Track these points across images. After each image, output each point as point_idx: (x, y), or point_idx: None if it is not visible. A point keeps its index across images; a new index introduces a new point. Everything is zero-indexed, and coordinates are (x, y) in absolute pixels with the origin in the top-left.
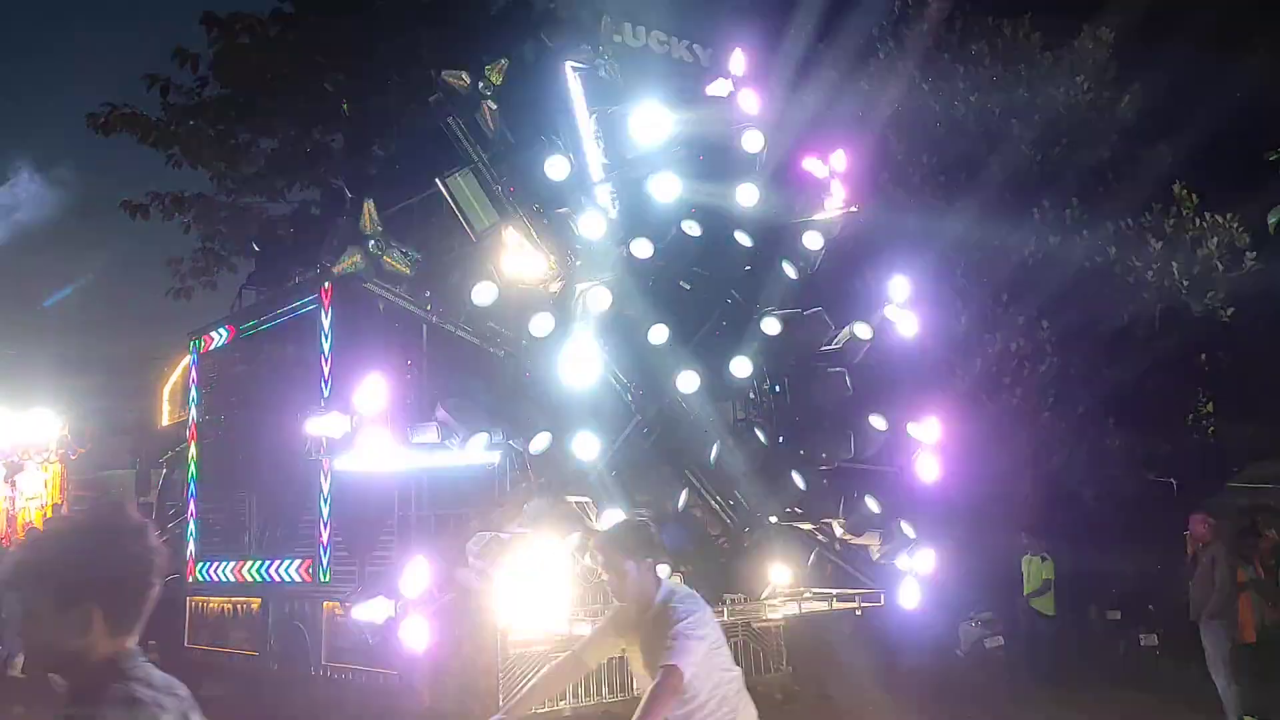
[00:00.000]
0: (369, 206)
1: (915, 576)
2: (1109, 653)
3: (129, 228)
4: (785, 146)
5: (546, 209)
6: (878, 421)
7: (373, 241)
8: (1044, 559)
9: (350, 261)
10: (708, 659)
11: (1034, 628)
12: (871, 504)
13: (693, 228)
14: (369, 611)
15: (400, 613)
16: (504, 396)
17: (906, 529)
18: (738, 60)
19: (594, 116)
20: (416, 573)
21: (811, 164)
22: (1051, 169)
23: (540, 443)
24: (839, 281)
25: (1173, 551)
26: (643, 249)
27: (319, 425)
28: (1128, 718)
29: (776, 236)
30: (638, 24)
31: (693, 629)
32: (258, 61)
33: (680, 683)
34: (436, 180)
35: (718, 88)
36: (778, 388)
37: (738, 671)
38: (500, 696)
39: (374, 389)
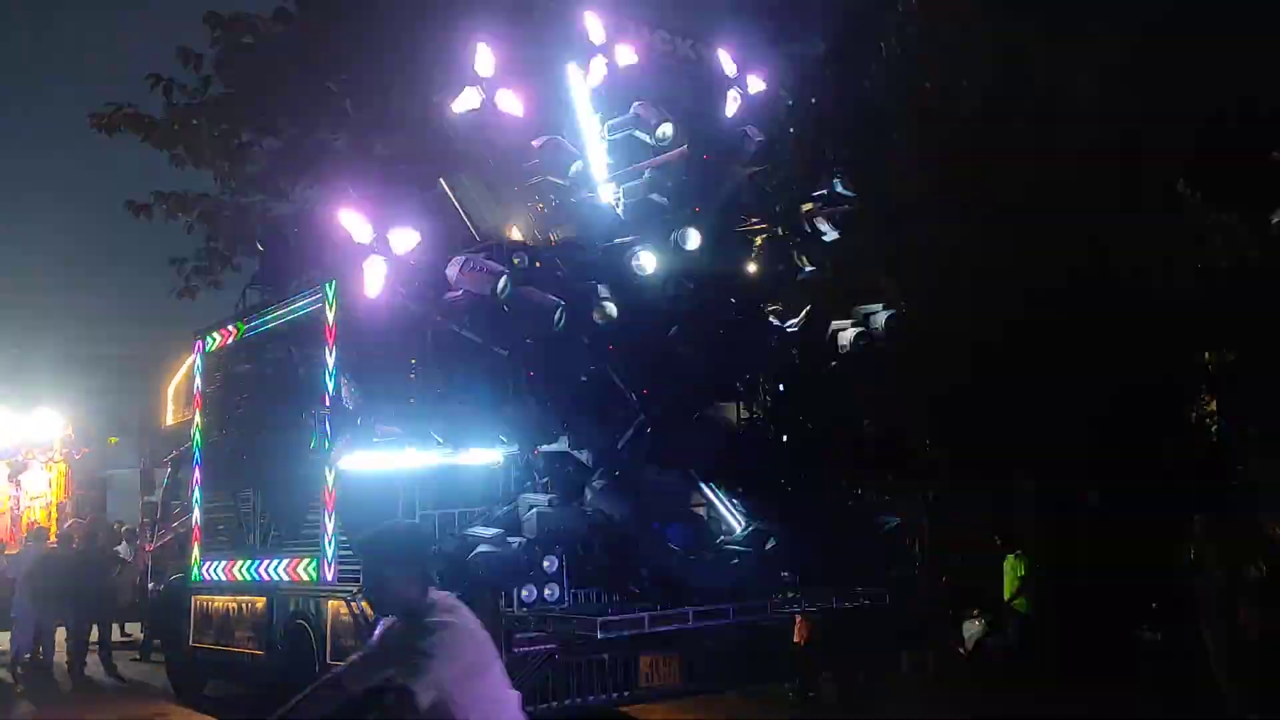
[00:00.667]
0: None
1: (918, 574)
2: (1111, 650)
3: (132, 227)
4: (787, 143)
5: (552, 208)
6: (881, 420)
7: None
8: (1016, 556)
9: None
10: (464, 683)
11: (1019, 629)
12: (873, 501)
13: (692, 239)
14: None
15: None
16: (508, 396)
17: (909, 527)
18: (737, 61)
19: (598, 116)
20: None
21: (813, 162)
22: (1054, 168)
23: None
24: (839, 281)
25: (1175, 549)
26: (648, 260)
27: (326, 414)
28: (1130, 716)
29: (780, 234)
30: (641, 23)
31: (440, 647)
32: (260, 61)
33: (414, 711)
34: (440, 180)
35: (719, 81)
36: (782, 387)
37: (515, 696)
38: None
39: (378, 387)
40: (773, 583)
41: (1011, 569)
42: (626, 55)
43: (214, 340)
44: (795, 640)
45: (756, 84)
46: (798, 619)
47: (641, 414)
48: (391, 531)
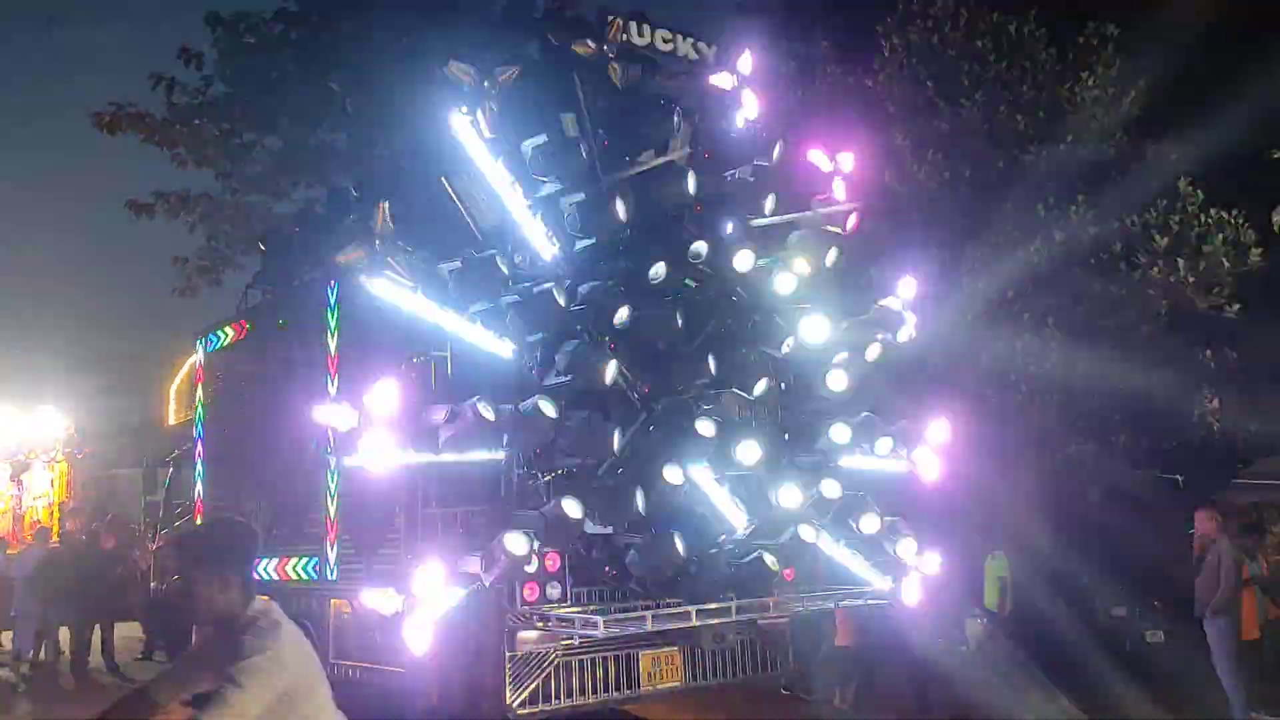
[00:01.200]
0: (383, 206)
1: (920, 573)
2: (1114, 649)
3: (134, 227)
4: (790, 143)
5: (552, 207)
6: (883, 419)
7: (379, 240)
8: (994, 557)
9: (354, 255)
10: (280, 711)
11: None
12: (877, 501)
13: (699, 254)
14: (377, 600)
15: (408, 609)
16: (510, 393)
17: (911, 526)
18: (744, 59)
19: (600, 115)
20: (427, 573)
21: (816, 161)
22: (1057, 166)
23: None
24: (843, 279)
25: (1178, 547)
26: (657, 271)
27: (325, 414)
28: (1132, 714)
29: (782, 233)
30: (643, 22)
31: (251, 674)
32: (262, 60)
33: None
34: (441, 178)
35: (721, 80)
36: (784, 384)
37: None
38: (508, 694)
39: (381, 388)
40: (775, 581)
41: (991, 570)
42: (628, 54)
43: (216, 340)
44: (839, 643)
45: (761, 82)
46: (838, 619)
47: (644, 412)
48: (205, 528)
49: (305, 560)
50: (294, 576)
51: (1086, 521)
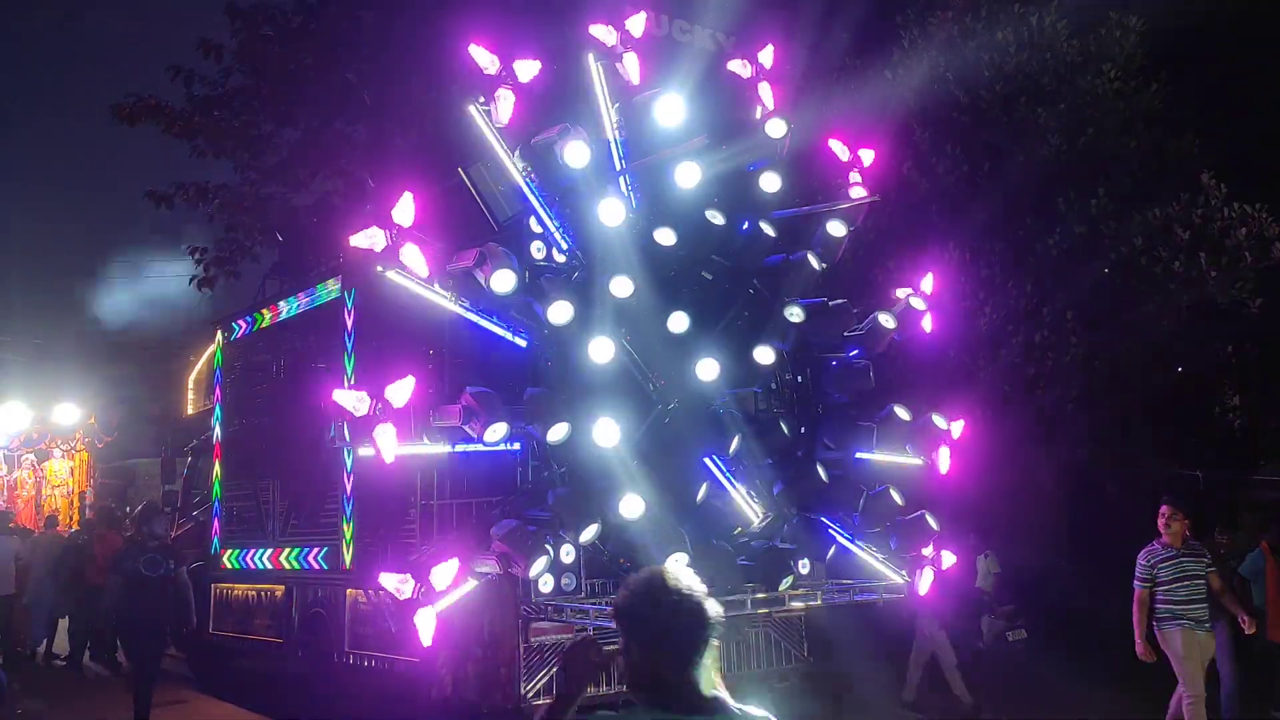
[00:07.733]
0: (400, 197)
1: (935, 568)
2: (1127, 645)
3: (153, 217)
4: (808, 135)
5: (568, 198)
6: (900, 414)
7: (396, 232)
8: (986, 556)
9: (370, 247)
10: None
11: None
12: (894, 496)
13: (716, 217)
14: (394, 581)
15: (423, 599)
16: (525, 385)
17: (928, 522)
18: (763, 50)
19: (616, 106)
20: (446, 566)
21: (834, 153)
22: (1077, 159)
23: (558, 433)
24: (860, 272)
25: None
26: (665, 237)
27: (343, 397)
28: (1139, 711)
29: (798, 226)
30: (660, 13)
31: None
32: (280, 52)
33: None
34: (459, 170)
35: (739, 71)
36: (800, 378)
37: None
38: (521, 684)
39: (396, 378)
40: (791, 574)
41: (984, 571)
42: (645, 45)
43: (234, 330)
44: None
45: (779, 74)
46: None
47: (659, 404)
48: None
49: (329, 550)
50: (322, 566)
51: (1104, 516)
